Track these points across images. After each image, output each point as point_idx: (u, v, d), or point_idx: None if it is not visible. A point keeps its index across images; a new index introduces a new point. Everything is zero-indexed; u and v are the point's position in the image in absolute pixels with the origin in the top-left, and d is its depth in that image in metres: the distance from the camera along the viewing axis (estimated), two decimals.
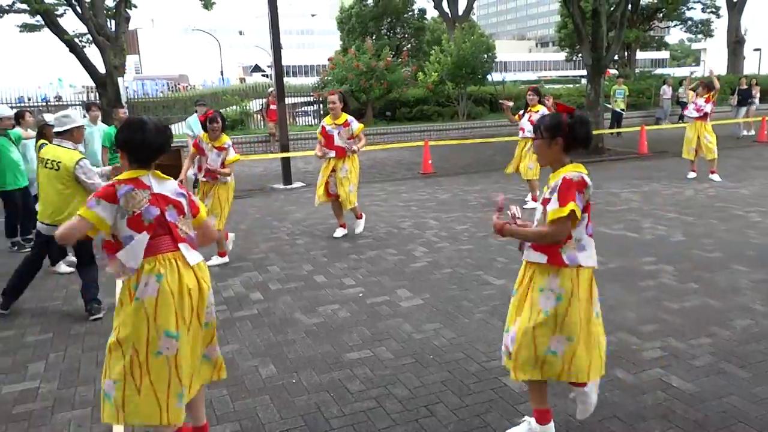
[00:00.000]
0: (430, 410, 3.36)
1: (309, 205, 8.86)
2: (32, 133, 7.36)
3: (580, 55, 25.93)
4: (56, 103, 20.36)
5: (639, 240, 6.81)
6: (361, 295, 5.30)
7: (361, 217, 7.47)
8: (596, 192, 9.77)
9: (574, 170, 2.76)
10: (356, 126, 7.05)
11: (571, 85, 28.58)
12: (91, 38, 11.82)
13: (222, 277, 5.89)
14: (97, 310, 5.00)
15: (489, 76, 22.27)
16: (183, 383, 2.73)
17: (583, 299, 2.80)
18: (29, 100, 19.88)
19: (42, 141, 6.00)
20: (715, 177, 10.28)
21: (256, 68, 59.78)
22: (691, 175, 10.60)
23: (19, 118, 7.60)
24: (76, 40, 11.71)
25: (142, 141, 2.73)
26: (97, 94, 13.10)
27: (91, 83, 15.53)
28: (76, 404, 3.59)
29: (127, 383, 2.67)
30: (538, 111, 8.18)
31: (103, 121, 8.86)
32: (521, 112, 8.67)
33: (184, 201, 2.86)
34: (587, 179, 2.74)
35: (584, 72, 15.83)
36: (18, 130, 7.36)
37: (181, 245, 2.78)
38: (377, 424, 3.25)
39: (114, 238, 2.73)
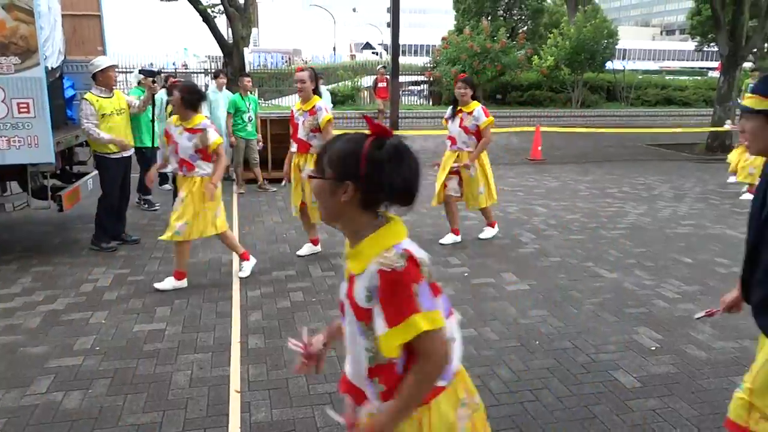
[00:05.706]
0: (535, 395, 3.32)
1: None
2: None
3: (713, 44, 24.08)
4: (184, 71, 21.68)
5: None
6: (466, 274, 5.30)
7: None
8: (722, 192, 9.12)
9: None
10: (323, 116, 5.34)
11: (699, 78, 26.71)
12: (222, 9, 12.43)
13: (332, 245, 6.08)
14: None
15: (608, 63, 21.25)
16: None
17: None
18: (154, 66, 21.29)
19: None
20: None
21: (367, 45, 60.37)
22: None
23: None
24: (209, 10, 12.36)
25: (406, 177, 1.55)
26: (222, 63, 13.79)
27: (214, 53, 16.37)
28: (197, 348, 3.87)
29: None
30: (472, 111, 5.92)
31: (227, 89, 9.32)
32: (447, 114, 6.20)
33: None
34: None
35: (712, 63, 14.71)
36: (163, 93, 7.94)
37: None
38: None
39: None
